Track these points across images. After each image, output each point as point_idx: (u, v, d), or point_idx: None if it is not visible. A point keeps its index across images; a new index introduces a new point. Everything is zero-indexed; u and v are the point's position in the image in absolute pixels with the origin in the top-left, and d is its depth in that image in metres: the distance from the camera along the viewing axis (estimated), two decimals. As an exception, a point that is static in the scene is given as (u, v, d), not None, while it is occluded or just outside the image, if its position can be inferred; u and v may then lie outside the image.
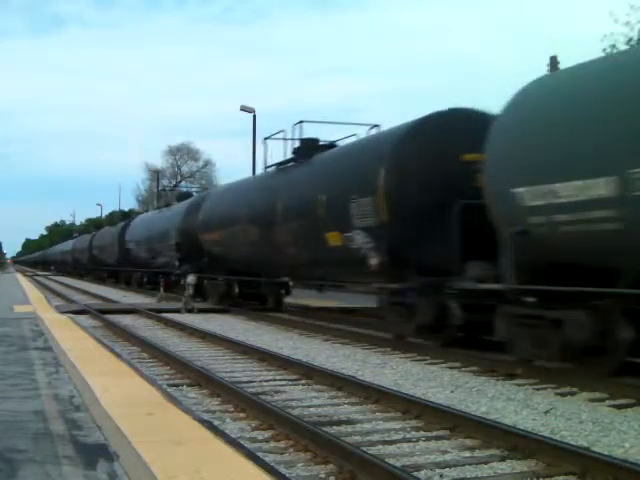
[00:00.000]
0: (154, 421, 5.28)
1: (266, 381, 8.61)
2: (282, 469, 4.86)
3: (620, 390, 7.76)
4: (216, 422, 6.02)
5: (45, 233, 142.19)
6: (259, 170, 26.92)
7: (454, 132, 11.33)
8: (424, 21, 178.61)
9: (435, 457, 5.37)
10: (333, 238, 13.38)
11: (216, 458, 4.29)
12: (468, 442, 5.74)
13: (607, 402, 7.45)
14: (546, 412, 6.91)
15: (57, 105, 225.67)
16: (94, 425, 5.13)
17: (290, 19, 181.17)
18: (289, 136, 17.11)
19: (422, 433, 6.06)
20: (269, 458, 5.06)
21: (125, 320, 16.53)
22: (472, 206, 10.00)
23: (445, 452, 5.50)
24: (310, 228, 14.36)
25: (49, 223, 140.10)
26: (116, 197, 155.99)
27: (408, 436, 5.97)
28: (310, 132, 16.52)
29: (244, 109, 31.24)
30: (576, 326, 8.16)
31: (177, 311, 18.93)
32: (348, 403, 7.32)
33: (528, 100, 9.26)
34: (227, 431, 5.59)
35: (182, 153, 72.88)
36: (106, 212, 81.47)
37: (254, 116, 30.94)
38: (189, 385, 8.23)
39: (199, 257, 22.46)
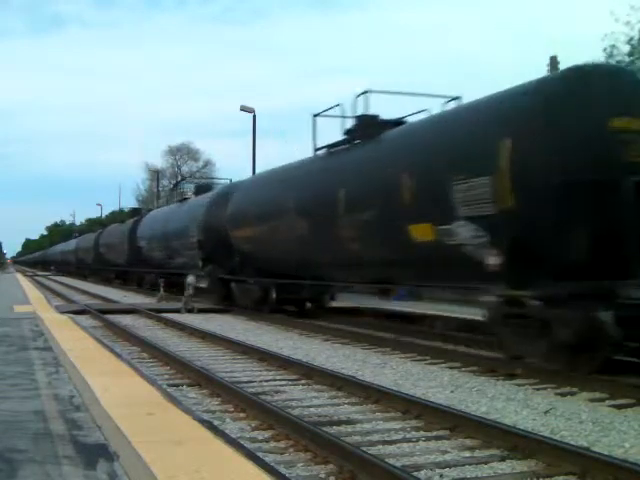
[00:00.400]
0: (154, 421, 5.28)
1: (266, 381, 8.60)
2: (282, 469, 4.86)
3: (620, 390, 7.76)
4: (216, 422, 6.02)
5: (45, 233, 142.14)
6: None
7: (600, 92, 8.89)
8: (424, 21, 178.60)
9: (435, 457, 5.37)
10: (421, 232, 10.78)
11: (216, 458, 4.29)
12: (468, 442, 5.74)
13: (607, 402, 7.45)
14: (546, 412, 6.91)
15: (57, 105, 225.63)
16: (94, 425, 5.13)
17: (290, 19, 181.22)
18: (343, 114, 14.33)
19: (422, 433, 6.06)
20: (269, 458, 5.06)
21: (125, 320, 16.52)
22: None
23: (445, 452, 5.51)
24: (386, 220, 11.83)
25: (49, 223, 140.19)
26: (116, 197, 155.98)
27: (408, 436, 5.97)
28: (360, 111, 13.79)
29: (244, 109, 31.23)
30: None
31: (177, 311, 18.92)
32: (348, 403, 7.31)
33: None
34: (227, 431, 5.59)
35: (182, 153, 72.93)
36: (106, 212, 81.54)
37: (254, 116, 30.95)
38: (189, 385, 8.23)
39: (227, 257, 19.68)
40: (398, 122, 13.50)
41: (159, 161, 72.84)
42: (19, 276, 53.52)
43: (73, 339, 10.85)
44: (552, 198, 8.59)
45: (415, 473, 4.83)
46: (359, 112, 13.82)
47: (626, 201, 8.27)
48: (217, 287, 20.94)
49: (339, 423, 6.40)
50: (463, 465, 5.15)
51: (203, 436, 4.84)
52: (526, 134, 8.95)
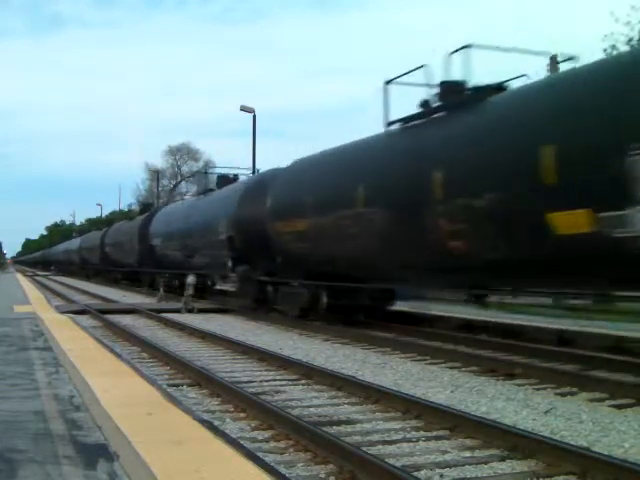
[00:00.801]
0: (154, 421, 5.27)
1: (266, 381, 8.60)
2: (282, 469, 4.86)
3: (620, 390, 7.76)
4: (216, 422, 6.02)
5: (45, 233, 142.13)
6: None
7: None
8: (424, 21, 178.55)
9: (435, 457, 5.37)
10: (569, 221, 8.28)
11: (216, 458, 4.29)
12: (468, 442, 5.74)
13: (607, 402, 7.45)
14: (546, 412, 6.91)
15: (57, 105, 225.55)
16: (94, 425, 5.13)
17: (290, 19, 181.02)
18: (416, 83, 11.86)
19: (422, 433, 6.06)
20: (269, 458, 5.06)
21: (125, 320, 16.52)
22: None
23: (445, 452, 5.50)
24: (512, 206, 9.26)
25: (49, 223, 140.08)
26: (116, 197, 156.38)
27: (408, 436, 5.96)
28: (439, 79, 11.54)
29: (244, 109, 31.24)
30: None
31: (177, 311, 18.92)
32: (348, 403, 7.31)
33: None
34: (227, 431, 5.58)
35: (182, 153, 72.95)
36: (106, 212, 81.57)
37: (254, 116, 30.96)
38: (189, 385, 8.23)
39: (264, 255, 17.12)
40: (499, 87, 10.94)
41: (159, 161, 72.97)
42: (19, 276, 53.50)
43: (73, 339, 10.85)
44: None
45: (415, 473, 4.83)
46: (433, 81, 11.47)
47: None
48: (250, 290, 18.12)
49: (339, 423, 6.40)
50: (463, 465, 5.15)
51: (203, 436, 4.84)
52: None
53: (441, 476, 4.93)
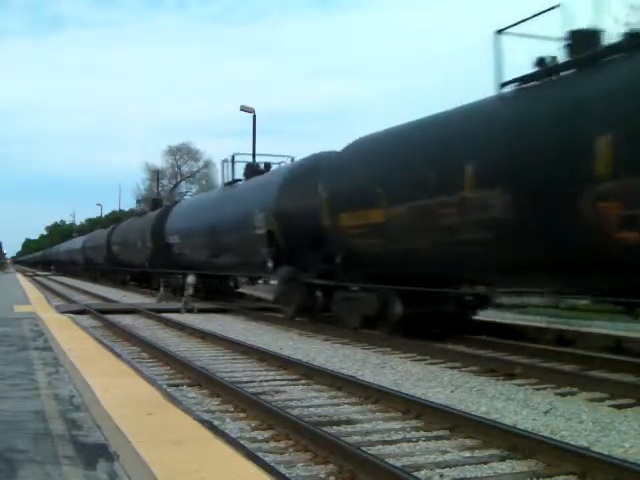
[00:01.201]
0: (154, 421, 5.28)
1: (266, 381, 8.60)
2: (282, 469, 4.86)
3: (620, 390, 7.76)
4: (216, 422, 6.02)
5: (45, 233, 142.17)
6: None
7: None
8: (424, 21, 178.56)
9: (435, 457, 5.37)
10: None
11: (216, 458, 4.29)
12: (468, 442, 5.74)
13: (607, 402, 7.45)
14: (546, 412, 6.91)
15: (57, 105, 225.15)
16: (94, 425, 5.13)
17: (290, 19, 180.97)
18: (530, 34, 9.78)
19: (422, 433, 6.06)
20: (269, 458, 5.06)
21: (125, 320, 16.52)
22: None
23: (445, 452, 5.50)
24: None
25: (49, 223, 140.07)
26: (116, 197, 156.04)
27: (408, 436, 5.96)
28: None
29: (244, 109, 31.22)
30: None
31: (177, 311, 18.91)
32: (348, 403, 7.31)
33: None
34: (227, 431, 5.59)
35: (182, 153, 72.96)
36: (106, 212, 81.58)
37: (254, 116, 30.92)
38: (189, 385, 8.23)
39: (316, 254, 14.68)
40: None
41: (159, 161, 72.96)
42: (19, 276, 53.52)
43: (73, 339, 10.85)
44: None
45: (415, 473, 4.83)
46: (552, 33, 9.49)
47: None
48: (295, 295, 15.45)
49: (339, 423, 6.40)
50: (463, 465, 5.15)
51: (203, 436, 4.85)
52: None
53: (441, 476, 4.93)
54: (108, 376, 7.31)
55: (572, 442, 5.63)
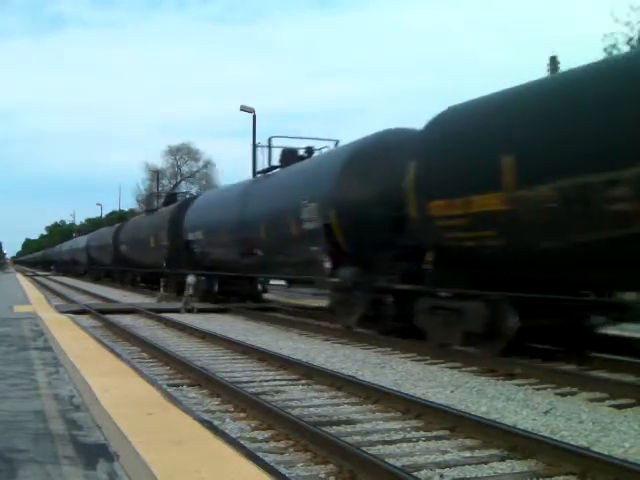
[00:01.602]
0: (154, 421, 5.28)
1: (266, 381, 8.60)
2: (282, 469, 4.86)
3: (620, 390, 7.76)
4: (216, 422, 6.02)
5: (45, 233, 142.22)
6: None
7: None
8: (424, 21, 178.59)
9: (435, 457, 5.37)
10: None
11: (216, 458, 4.29)
12: (468, 442, 5.74)
13: (607, 402, 7.45)
14: (546, 412, 6.91)
15: (57, 105, 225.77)
16: (94, 425, 5.13)
17: (290, 19, 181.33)
18: None
19: (422, 433, 6.05)
20: (269, 458, 5.06)
21: (125, 320, 16.52)
22: None
23: (445, 452, 5.50)
24: None
25: (49, 223, 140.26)
26: (116, 197, 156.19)
27: (408, 436, 5.96)
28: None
29: (244, 109, 31.24)
30: None
31: (177, 311, 18.91)
32: (348, 403, 7.31)
33: None
34: (227, 431, 5.59)
35: (182, 153, 73.01)
36: (106, 212, 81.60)
37: (254, 116, 30.94)
38: (189, 385, 8.23)
39: (388, 252, 12.37)
40: None
41: (159, 161, 73.04)
42: (19, 276, 53.50)
43: (73, 339, 10.85)
44: None
45: (415, 473, 4.83)
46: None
47: None
48: (361, 303, 12.94)
49: (339, 423, 6.40)
50: (463, 465, 5.15)
51: (203, 436, 4.84)
52: None
53: (441, 476, 4.93)
54: (108, 376, 7.31)
55: (572, 442, 5.63)
